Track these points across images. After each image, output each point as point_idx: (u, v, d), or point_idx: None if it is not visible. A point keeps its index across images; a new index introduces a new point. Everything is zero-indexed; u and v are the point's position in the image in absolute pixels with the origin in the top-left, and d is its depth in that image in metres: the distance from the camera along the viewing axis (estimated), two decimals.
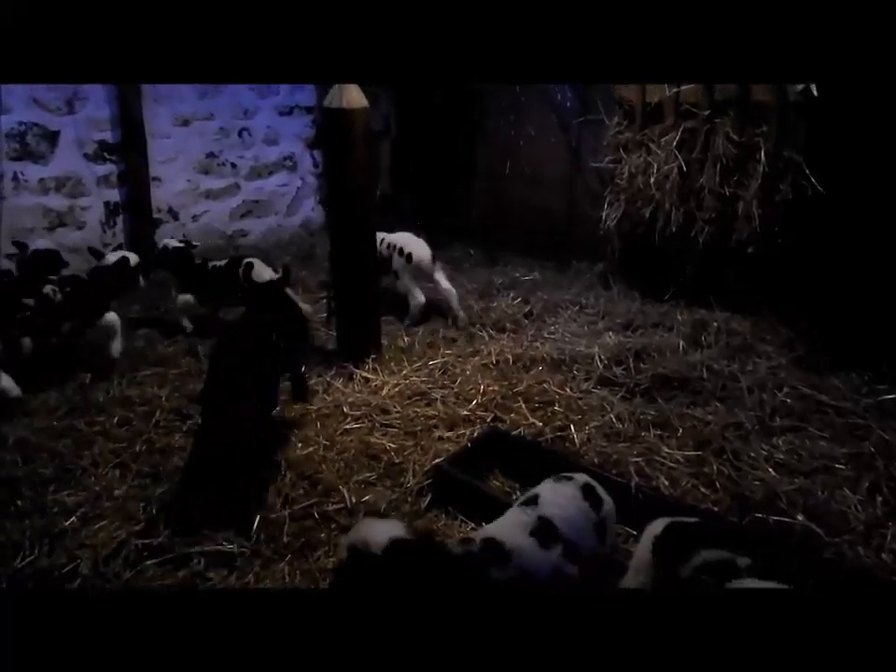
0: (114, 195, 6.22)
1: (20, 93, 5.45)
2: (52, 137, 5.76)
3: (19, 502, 3.31)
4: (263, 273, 5.09)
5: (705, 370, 4.42)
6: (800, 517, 3.12)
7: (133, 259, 4.86)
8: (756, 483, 3.41)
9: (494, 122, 6.99)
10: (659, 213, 5.28)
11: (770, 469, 3.51)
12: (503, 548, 2.36)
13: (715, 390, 4.26)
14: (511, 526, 2.49)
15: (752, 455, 3.63)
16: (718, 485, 3.43)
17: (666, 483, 3.47)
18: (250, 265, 5.14)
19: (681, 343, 4.76)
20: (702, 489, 3.42)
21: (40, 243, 4.61)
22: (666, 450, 3.73)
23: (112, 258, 4.83)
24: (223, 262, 5.23)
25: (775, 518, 3.13)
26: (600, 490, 2.69)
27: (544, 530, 2.45)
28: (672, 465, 3.62)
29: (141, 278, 4.93)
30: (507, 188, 6.97)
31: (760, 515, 3.15)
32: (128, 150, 6.15)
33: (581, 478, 2.73)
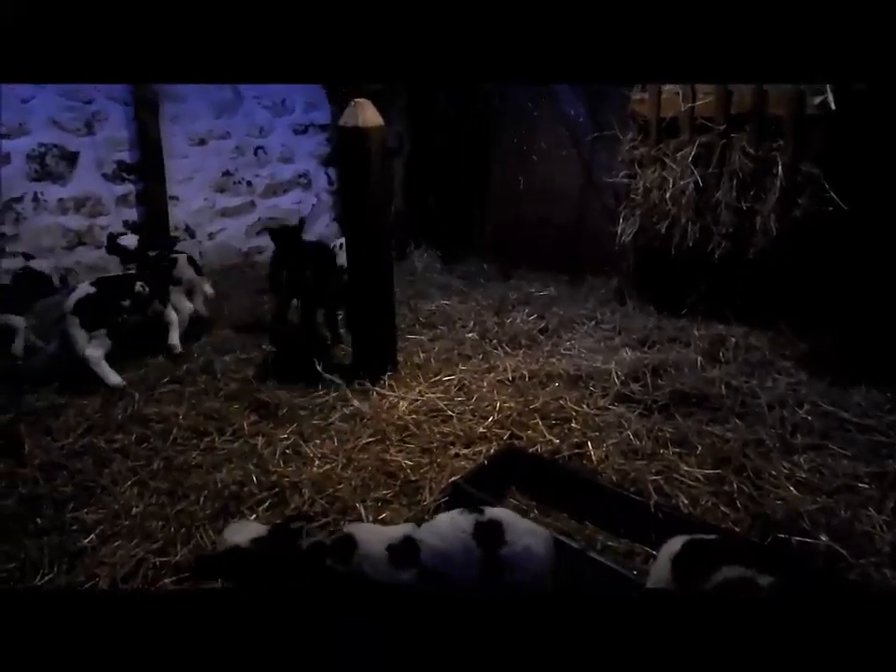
0: (132, 214, 6.29)
1: (40, 115, 5.54)
2: (72, 158, 5.84)
3: (39, 520, 3.32)
4: (185, 270, 5.31)
5: (723, 386, 4.37)
6: (823, 537, 3.06)
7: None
8: (777, 502, 3.35)
9: (506, 138, 7.00)
10: (675, 227, 5.26)
11: (792, 488, 3.45)
12: (353, 547, 2.44)
13: (734, 407, 4.21)
14: (379, 533, 2.58)
15: (773, 473, 3.57)
16: (738, 504, 3.37)
17: (686, 501, 3.42)
18: (174, 260, 5.28)
19: (699, 358, 4.73)
20: (722, 508, 3.36)
21: (41, 263, 4.71)
22: (685, 468, 3.68)
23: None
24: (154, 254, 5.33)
25: (797, 538, 3.07)
26: (513, 531, 2.56)
27: (402, 550, 2.48)
28: (691, 483, 3.57)
29: None
30: (520, 203, 6.98)
31: (782, 535, 3.10)
32: (146, 170, 6.22)
33: (493, 513, 2.63)
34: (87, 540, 3.17)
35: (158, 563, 3.03)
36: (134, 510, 3.40)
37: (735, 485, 3.50)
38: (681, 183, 5.17)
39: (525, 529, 2.59)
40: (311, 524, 2.77)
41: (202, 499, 3.48)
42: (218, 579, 2.58)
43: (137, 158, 6.19)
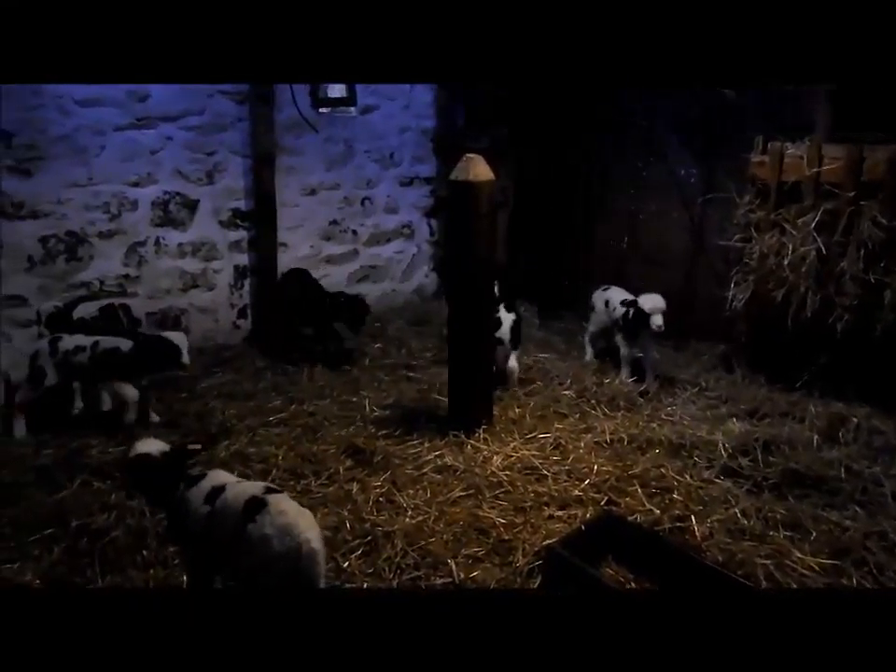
0: (243, 259, 6.53)
1: (167, 165, 5.88)
2: (192, 206, 6.14)
3: (144, 552, 3.40)
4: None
5: (843, 469, 4.08)
6: None
7: None
8: None
9: (614, 198, 6.95)
10: (793, 296, 5.02)
11: None
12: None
13: (854, 493, 3.92)
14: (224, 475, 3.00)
15: None
16: None
17: None
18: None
19: (815, 437, 4.43)
20: None
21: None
22: (798, 554, 3.42)
23: None
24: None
25: None
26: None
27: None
28: (804, 571, 3.32)
29: None
30: (625, 263, 6.87)
31: None
32: (259, 218, 6.47)
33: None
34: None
35: None
36: None
37: (855, 580, 3.24)
38: (802, 250, 4.94)
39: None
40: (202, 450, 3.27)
41: None
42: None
43: (251, 206, 6.47)
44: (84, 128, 5.37)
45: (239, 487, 2.83)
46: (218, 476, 2.97)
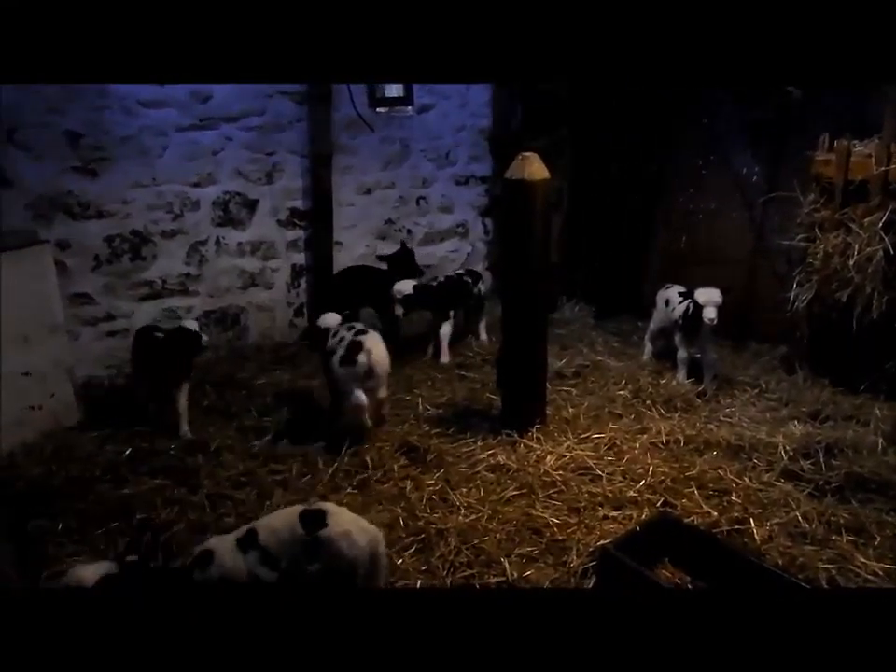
0: (300, 258, 6.64)
1: (227, 165, 6.00)
2: (252, 205, 6.26)
3: None
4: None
5: None
6: None
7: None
8: None
9: (673, 197, 6.83)
10: (858, 297, 4.86)
11: None
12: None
13: None
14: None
15: None
16: None
17: None
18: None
19: (880, 441, 4.31)
20: None
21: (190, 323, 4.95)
22: (862, 559, 3.35)
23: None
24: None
25: None
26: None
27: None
28: (869, 577, 3.26)
29: None
30: (683, 263, 6.73)
31: None
32: (316, 217, 6.57)
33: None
34: None
35: None
36: None
37: None
38: (868, 250, 4.78)
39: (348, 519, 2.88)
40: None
41: None
42: None
43: (309, 205, 6.57)
44: (147, 129, 5.50)
45: None
46: None
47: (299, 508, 2.91)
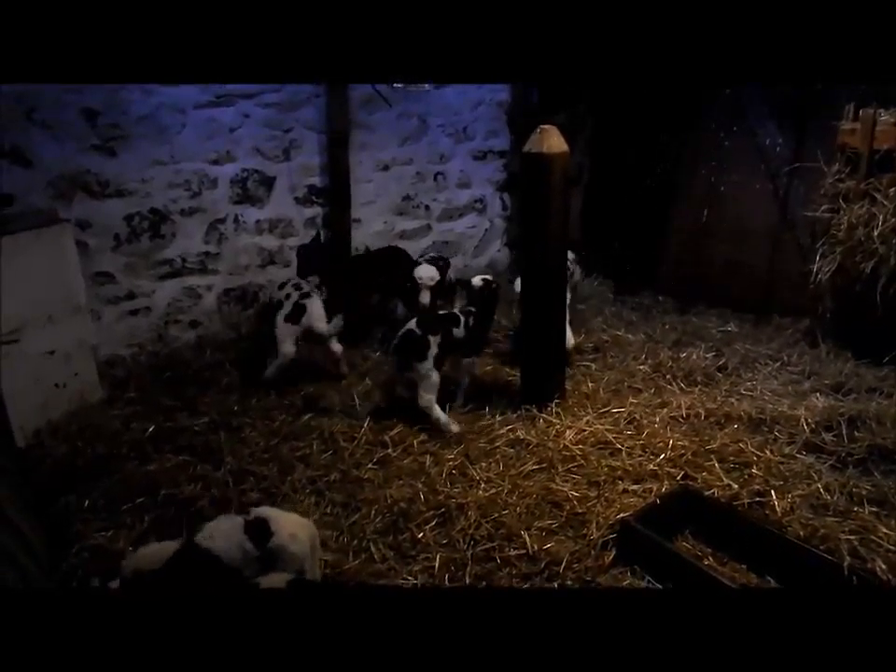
0: None
1: (245, 143, 5.99)
2: (269, 183, 6.25)
3: None
4: None
5: None
6: None
7: None
8: None
9: (694, 168, 6.72)
10: (882, 269, 4.79)
11: None
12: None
13: None
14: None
15: None
16: None
17: (884, 566, 3.10)
18: None
19: None
20: None
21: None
22: (885, 530, 3.34)
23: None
24: None
25: None
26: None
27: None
28: (891, 547, 3.24)
29: None
30: (704, 236, 6.65)
31: None
32: (333, 195, 6.55)
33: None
34: None
35: (330, 573, 3.13)
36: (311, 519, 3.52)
37: None
38: (893, 220, 4.72)
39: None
40: None
41: (373, 513, 3.59)
42: None
43: (326, 183, 6.55)
44: (165, 106, 5.48)
45: None
46: None
47: (238, 521, 2.81)
